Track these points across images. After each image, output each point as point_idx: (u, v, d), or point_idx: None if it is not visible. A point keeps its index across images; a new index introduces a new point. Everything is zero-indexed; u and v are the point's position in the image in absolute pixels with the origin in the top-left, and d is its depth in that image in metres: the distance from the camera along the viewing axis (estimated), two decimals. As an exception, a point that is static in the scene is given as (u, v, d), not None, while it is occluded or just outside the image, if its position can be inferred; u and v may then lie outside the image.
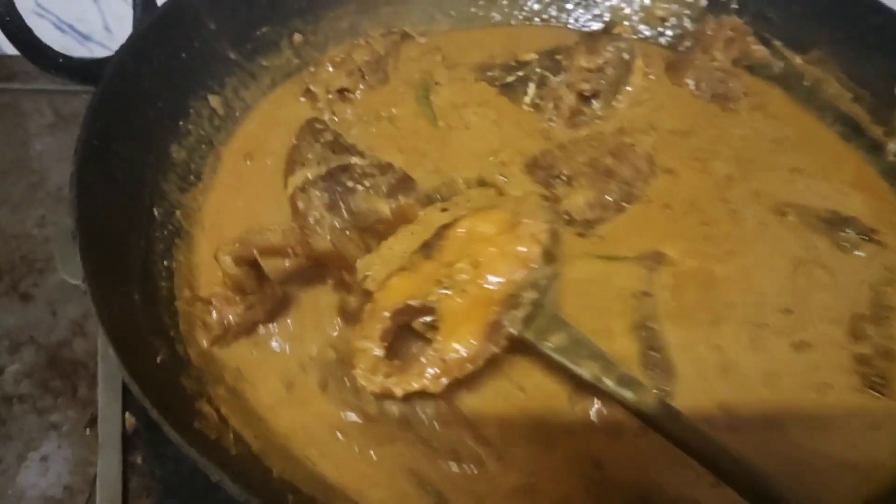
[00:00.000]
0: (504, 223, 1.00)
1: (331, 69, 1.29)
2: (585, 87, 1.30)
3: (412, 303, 0.95)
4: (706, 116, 1.34)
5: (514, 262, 0.96)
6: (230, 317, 0.97)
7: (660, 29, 1.49)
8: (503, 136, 1.28)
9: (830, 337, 1.05)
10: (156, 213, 1.08)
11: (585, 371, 0.90)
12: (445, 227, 1.01)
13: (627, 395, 0.87)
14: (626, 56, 1.33)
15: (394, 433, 0.94)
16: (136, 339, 0.90)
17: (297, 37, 1.35)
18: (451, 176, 1.20)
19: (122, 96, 1.07)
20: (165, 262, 1.06)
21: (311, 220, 1.08)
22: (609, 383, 0.88)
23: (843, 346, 1.04)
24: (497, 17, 1.50)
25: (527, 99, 1.34)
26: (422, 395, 0.92)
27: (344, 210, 1.07)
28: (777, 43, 1.40)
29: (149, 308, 0.97)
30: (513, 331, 0.93)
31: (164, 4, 1.19)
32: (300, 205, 1.09)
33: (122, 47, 1.10)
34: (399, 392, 0.91)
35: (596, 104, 1.32)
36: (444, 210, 1.10)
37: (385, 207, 1.08)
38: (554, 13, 1.51)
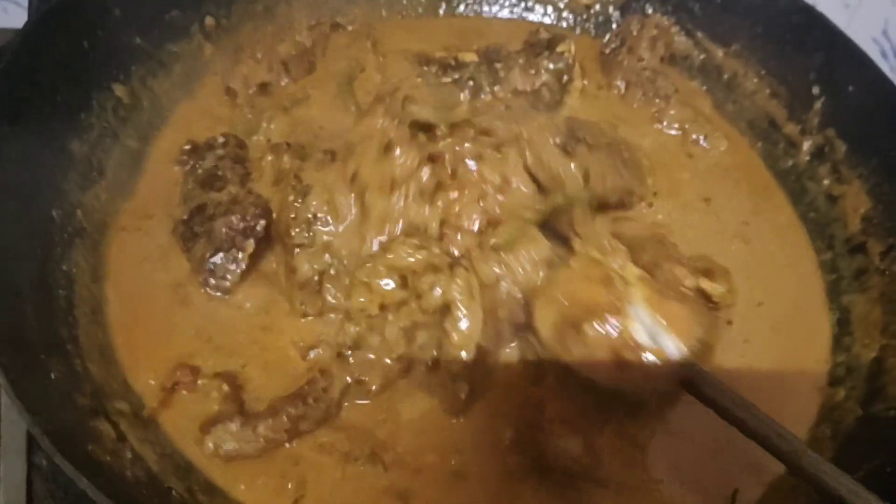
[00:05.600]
0: None
1: (251, 64, 1.26)
2: None
3: None
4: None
5: None
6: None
7: (585, 16, 1.48)
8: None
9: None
10: (54, 215, 1.04)
11: None
12: None
13: None
14: (564, 78, 1.31)
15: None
16: (27, 357, 0.87)
17: (209, 20, 1.30)
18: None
19: (15, 94, 1.02)
20: (65, 267, 1.02)
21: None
22: None
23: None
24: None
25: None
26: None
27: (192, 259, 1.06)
28: (699, 35, 1.40)
29: (43, 323, 0.94)
30: None
31: (62, -8, 1.12)
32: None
33: (15, 40, 1.04)
34: None
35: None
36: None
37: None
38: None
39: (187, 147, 1.17)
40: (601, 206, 1.14)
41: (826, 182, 1.26)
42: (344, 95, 1.29)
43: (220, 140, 1.15)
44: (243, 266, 1.04)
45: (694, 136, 1.32)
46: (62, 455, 0.75)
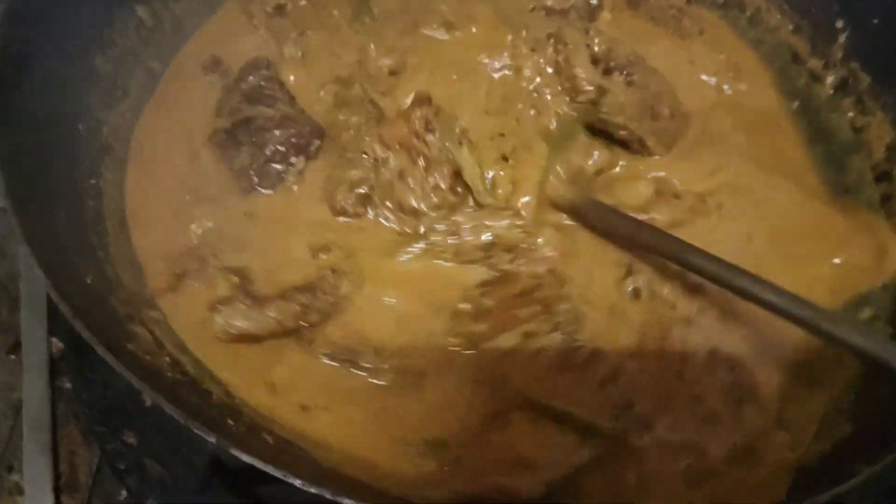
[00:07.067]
0: None
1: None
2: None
3: None
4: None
5: None
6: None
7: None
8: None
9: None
10: (80, 128, 1.02)
11: None
12: None
13: None
14: (594, 2, 1.30)
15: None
16: (63, 259, 0.86)
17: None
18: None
19: (38, 6, 0.99)
20: (93, 180, 1.01)
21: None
22: None
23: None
24: None
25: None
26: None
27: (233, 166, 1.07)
28: (723, -31, 1.39)
29: (75, 228, 0.93)
30: None
31: None
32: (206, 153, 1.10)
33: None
34: None
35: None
36: None
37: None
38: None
39: (212, 63, 1.17)
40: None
41: (850, 114, 1.26)
42: (361, 6, 1.25)
43: (264, 61, 1.15)
44: (289, 178, 1.07)
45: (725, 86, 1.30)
46: (105, 348, 0.74)
